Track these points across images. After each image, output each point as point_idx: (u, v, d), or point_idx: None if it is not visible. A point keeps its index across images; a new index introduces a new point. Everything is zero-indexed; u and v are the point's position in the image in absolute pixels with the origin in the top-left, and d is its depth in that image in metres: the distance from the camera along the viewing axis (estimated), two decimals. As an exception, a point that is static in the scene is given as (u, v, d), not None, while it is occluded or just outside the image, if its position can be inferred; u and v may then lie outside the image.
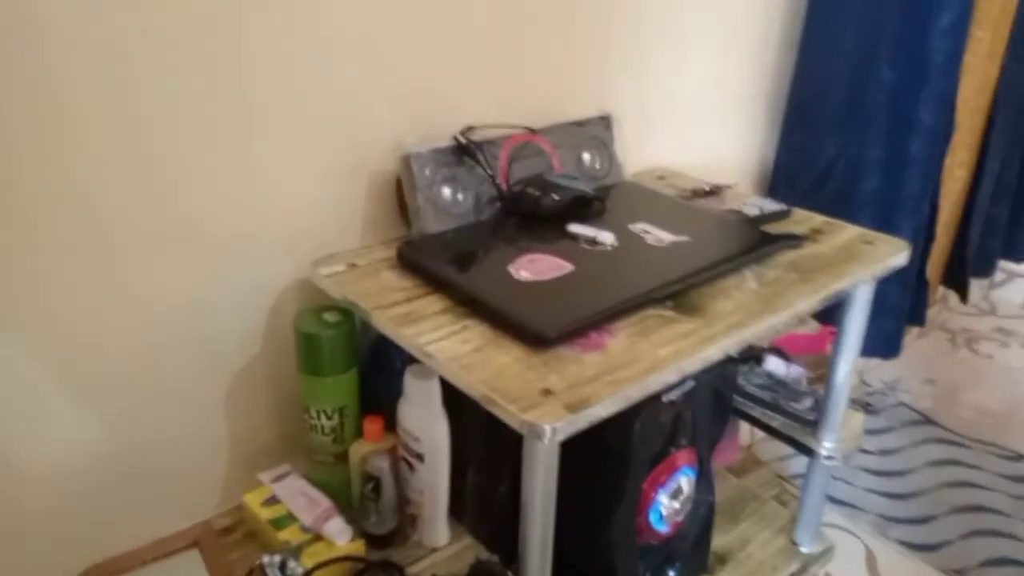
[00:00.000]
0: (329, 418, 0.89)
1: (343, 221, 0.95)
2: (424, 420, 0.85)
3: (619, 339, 0.77)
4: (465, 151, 0.96)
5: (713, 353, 0.76)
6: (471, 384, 0.70)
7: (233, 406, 0.94)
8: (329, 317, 0.88)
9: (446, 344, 0.75)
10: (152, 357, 0.86)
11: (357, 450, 0.90)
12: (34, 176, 0.74)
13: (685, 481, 0.95)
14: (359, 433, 0.91)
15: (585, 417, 0.66)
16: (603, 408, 0.67)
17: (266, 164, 0.87)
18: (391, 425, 0.90)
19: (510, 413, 0.66)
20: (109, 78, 0.75)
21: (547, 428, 0.64)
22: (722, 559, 1.08)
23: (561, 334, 0.74)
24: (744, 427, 1.65)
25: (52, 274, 0.77)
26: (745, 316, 0.81)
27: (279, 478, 0.94)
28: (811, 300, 0.86)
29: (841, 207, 1.41)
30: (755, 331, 0.80)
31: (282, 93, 0.86)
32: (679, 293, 0.84)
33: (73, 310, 0.80)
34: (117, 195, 0.79)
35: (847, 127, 1.42)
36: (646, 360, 0.73)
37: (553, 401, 0.67)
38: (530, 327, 0.74)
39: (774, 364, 1.24)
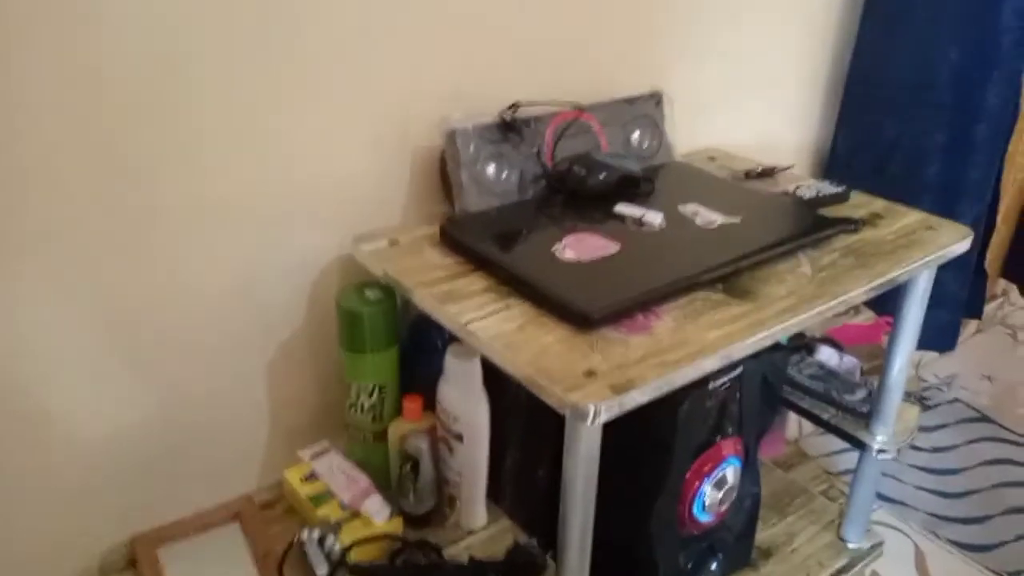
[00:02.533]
0: (369, 396, 0.89)
1: (386, 197, 0.94)
2: (464, 401, 0.83)
3: (666, 322, 0.74)
4: (510, 128, 0.94)
5: (764, 338, 0.73)
6: (514, 363, 0.68)
7: (276, 380, 0.94)
8: (370, 294, 0.87)
9: (488, 323, 0.74)
10: (200, 328, 0.86)
11: (396, 429, 0.89)
12: (90, 152, 0.74)
13: (731, 471, 0.92)
14: (398, 412, 0.90)
15: (630, 399, 0.64)
16: (648, 391, 0.65)
17: (312, 137, 0.86)
18: (431, 404, 0.89)
19: (553, 394, 0.64)
20: (158, 49, 0.74)
21: (591, 409, 0.62)
22: (766, 553, 1.05)
23: (606, 314, 0.72)
24: (792, 421, 1.61)
25: (107, 246, 0.78)
26: (798, 301, 0.78)
27: (318, 455, 0.94)
28: (867, 287, 0.82)
29: (900, 192, 1.35)
30: (808, 317, 0.77)
31: (330, 65, 0.85)
32: (729, 276, 0.81)
33: (127, 283, 0.80)
34: (168, 169, 0.79)
35: (909, 109, 1.37)
36: (694, 344, 0.71)
37: (597, 382, 0.65)
38: (574, 307, 0.72)
39: (826, 354, 1.20)
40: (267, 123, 0.83)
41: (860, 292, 0.81)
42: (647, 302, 0.75)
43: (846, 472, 1.56)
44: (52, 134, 0.72)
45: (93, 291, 0.79)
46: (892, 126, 1.38)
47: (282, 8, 0.80)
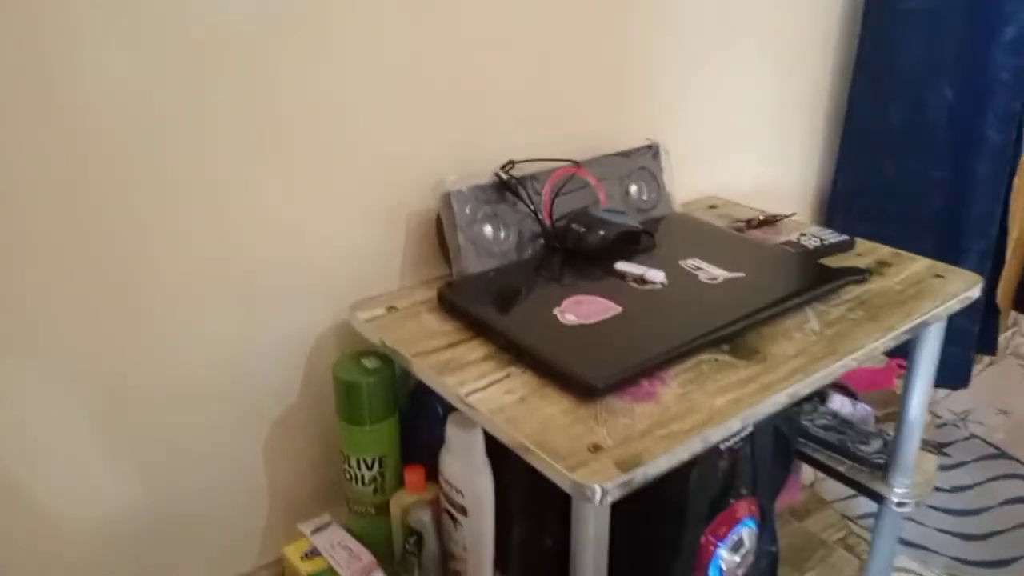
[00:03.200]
0: (369, 468, 0.86)
1: (382, 262, 0.93)
2: (467, 472, 0.81)
3: (672, 387, 0.72)
4: (507, 187, 0.93)
5: (774, 402, 0.71)
6: (515, 439, 0.66)
7: (272, 455, 0.91)
8: (368, 363, 0.85)
9: (489, 394, 0.71)
10: (188, 408, 0.84)
11: (398, 501, 0.86)
12: (66, 227, 0.72)
13: (746, 533, 0.89)
14: (400, 483, 0.87)
15: (638, 476, 0.61)
16: (657, 465, 0.63)
17: (302, 205, 0.85)
18: (434, 473, 0.86)
19: (557, 472, 0.62)
20: (140, 116, 0.73)
21: (597, 489, 0.59)
22: (787, 614, 1.01)
23: (610, 384, 0.70)
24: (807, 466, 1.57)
25: (84, 326, 0.76)
26: (808, 360, 0.76)
27: (319, 529, 0.90)
28: (879, 342, 0.80)
29: (904, 230, 1.34)
30: (819, 377, 0.74)
31: (319, 133, 0.84)
32: (735, 335, 0.79)
33: (107, 363, 0.78)
34: (150, 243, 0.77)
35: (907, 148, 1.36)
36: (702, 411, 0.68)
37: (603, 458, 0.62)
38: (577, 377, 0.70)
39: (839, 402, 1.17)
40: (256, 193, 0.82)
41: (871, 348, 0.79)
42: (652, 367, 0.73)
43: (865, 516, 1.52)
44: (30, 211, 0.70)
45: (73, 374, 0.76)
46: (891, 165, 1.37)
47: (277, 76, 0.79)
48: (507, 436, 0.67)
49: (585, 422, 0.67)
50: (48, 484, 0.78)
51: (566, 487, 0.61)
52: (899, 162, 1.37)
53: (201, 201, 0.79)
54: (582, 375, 0.70)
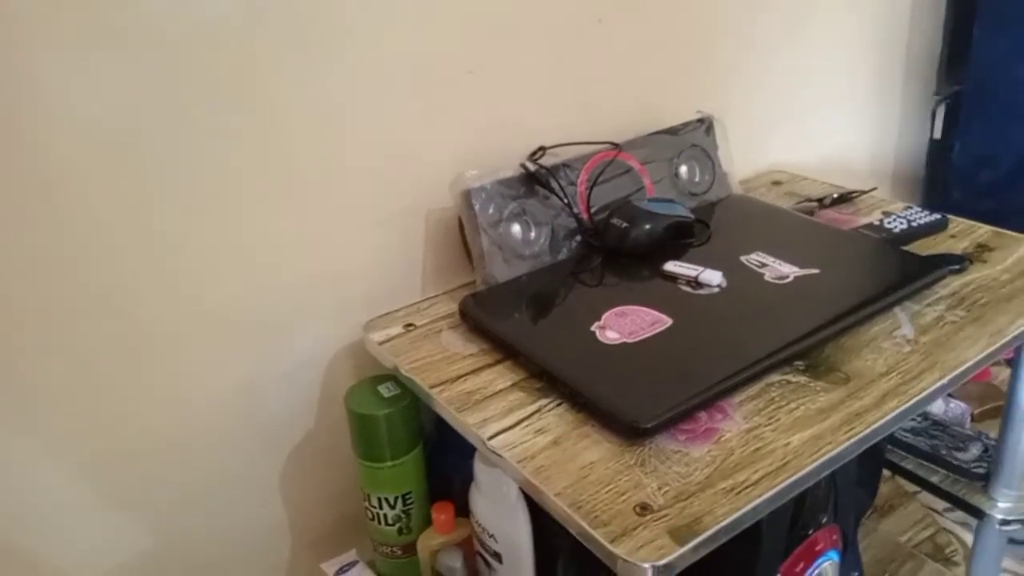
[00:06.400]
0: (392, 506, 0.77)
1: (400, 272, 0.82)
2: (499, 515, 0.70)
3: (736, 421, 0.60)
4: (535, 179, 0.81)
5: (864, 438, 0.58)
6: (548, 496, 0.55)
7: (290, 489, 0.83)
8: (385, 390, 0.75)
9: (517, 435, 0.61)
10: (198, 450, 0.76)
11: (426, 542, 0.77)
12: (67, 267, 0.64)
13: (829, 567, 0.77)
14: (428, 520, 0.78)
15: (697, 548, 0.50)
16: (720, 531, 0.51)
17: (308, 218, 0.75)
18: (466, 508, 0.76)
19: (599, 545, 0.51)
20: (127, 136, 0.64)
21: (647, 569, 0.48)
22: (876, 648, 0.89)
23: (659, 423, 0.58)
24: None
25: (85, 376, 0.68)
26: (901, 380, 0.63)
27: (344, 569, 0.82)
28: (986, 351, 0.66)
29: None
30: (918, 399, 0.61)
31: (322, 134, 0.73)
32: (811, 350, 0.66)
33: (110, 413, 0.70)
34: (144, 284, 0.68)
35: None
36: (774, 454, 0.56)
37: (653, 524, 0.51)
38: (620, 414, 0.59)
39: (928, 402, 1.03)
40: (256, 215, 0.72)
41: (978, 359, 0.65)
42: (710, 397, 0.61)
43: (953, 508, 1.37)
44: (28, 252, 0.62)
45: (70, 430, 0.69)
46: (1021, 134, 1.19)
47: (265, 89, 0.69)
48: (538, 492, 0.56)
49: (631, 472, 0.56)
50: (50, 537, 0.71)
51: (610, 564, 0.50)
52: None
53: (198, 229, 0.69)
54: (625, 412, 0.59)
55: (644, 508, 0.52)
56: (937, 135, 1.29)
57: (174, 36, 0.63)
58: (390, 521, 0.78)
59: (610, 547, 0.50)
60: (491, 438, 0.61)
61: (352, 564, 0.83)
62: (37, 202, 0.62)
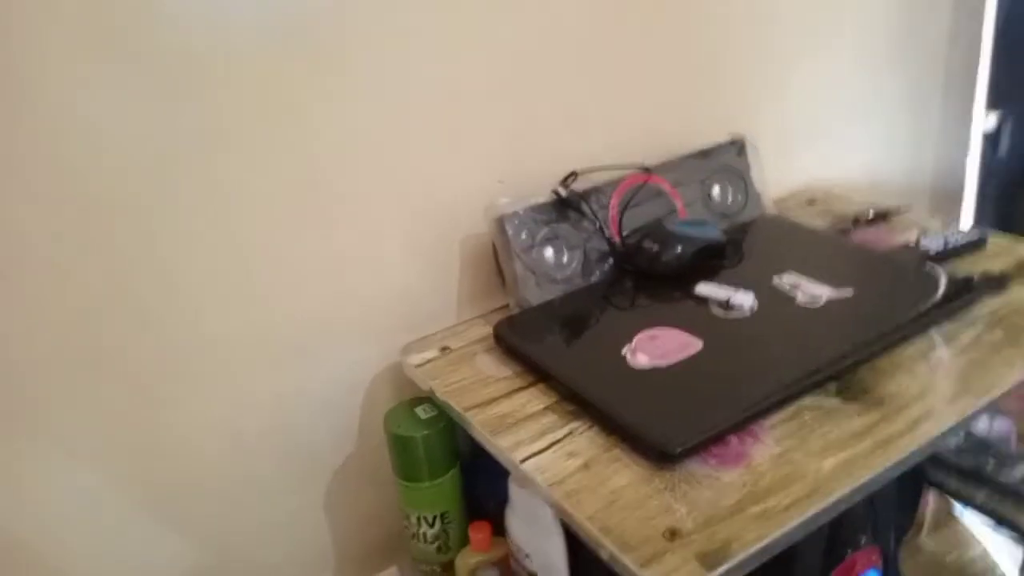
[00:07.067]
0: (431, 525, 0.78)
1: (436, 296, 0.84)
2: (534, 535, 0.71)
3: (767, 445, 0.60)
4: (567, 203, 0.83)
5: (898, 464, 0.58)
6: (577, 519, 0.56)
7: (332, 508, 0.85)
8: (423, 412, 0.77)
9: (548, 459, 0.62)
10: (241, 473, 0.78)
11: (464, 561, 0.78)
12: (92, 293, 0.67)
13: (867, 590, 0.76)
14: (466, 539, 0.79)
15: (726, 574, 0.51)
16: (749, 560, 0.52)
17: (342, 246, 0.77)
18: (501, 528, 0.78)
19: (627, 568, 0.52)
20: (154, 167, 0.67)
21: (675, 593, 0.49)
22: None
23: (689, 447, 0.59)
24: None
25: (131, 401, 0.71)
26: (937, 403, 0.62)
27: (385, 587, 0.84)
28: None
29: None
30: (954, 423, 0.61)
31: (355, 165, 0.75)
32: (844, 372, 0.66)
33: (159, 438, 0.73)
34: (182, 310, 0.71)
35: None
36: (806, 478, 0.57)
37: (682, 548, 0.52)
38: (650, 439, 0.60)
39: (972, 420, 1.01)
40: (296, 240, 0.74)
41: (1016, 380, 0.65)
42: (741, 422, 0.62)
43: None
44: (55, 275, 0.65)
45: (122, 451, 0.72)
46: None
47: (296, 122, 0.71)
48: (568, 516, 0.57)
49: (660, 496, 0.57)
50: (86, 565, 0.74)
51: (638, 588, 0.51)
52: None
53: (232, 258, 0.72)
54: (655, 437, 0.60)
55: (673, 533, 0.53)
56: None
57: (202, 55, 0.65)
58: (429, 539, 0.79)
59: (639, 572, 0.51)
60: (523, 461, 0.62)
61: (393, 581, 0.85)
62: (71, 210, 0.64)
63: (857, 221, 0.92)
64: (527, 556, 0.73)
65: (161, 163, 0.66)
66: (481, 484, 0.81)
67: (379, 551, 0.90)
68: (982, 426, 1.02)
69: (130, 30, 0.62)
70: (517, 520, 0.73)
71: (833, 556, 0.76)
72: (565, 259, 0.82)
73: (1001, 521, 0.92)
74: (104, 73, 0.62)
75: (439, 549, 0.80)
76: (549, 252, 0.82)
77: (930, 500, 1.04)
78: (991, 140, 1.25)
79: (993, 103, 1.24)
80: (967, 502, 0.94)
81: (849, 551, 0.76)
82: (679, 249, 0.81)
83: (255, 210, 0.72)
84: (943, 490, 0.97)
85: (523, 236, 0.80)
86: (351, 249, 0.78)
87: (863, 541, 0.77)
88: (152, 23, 0.62)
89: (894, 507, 0.83)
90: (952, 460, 0.97)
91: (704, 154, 0.91)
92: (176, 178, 0.67)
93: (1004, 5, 1.15)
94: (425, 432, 0.75)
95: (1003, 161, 1.23)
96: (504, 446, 0.64)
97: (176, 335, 0.71)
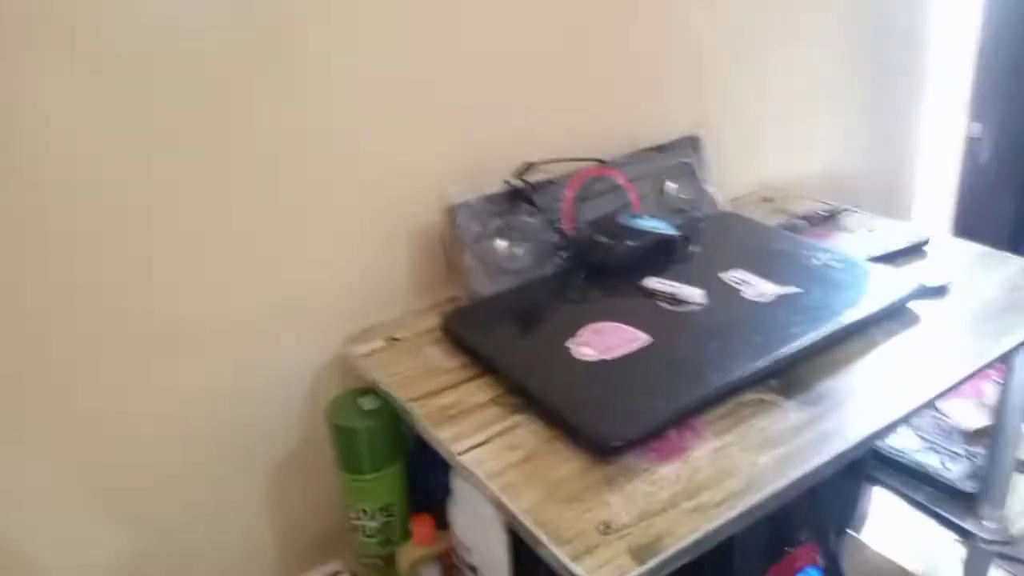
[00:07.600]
0: (373, 518, 0.78)
1: (385, 286, 0.83)
2: (476, 528, 0.71)
3: (706, 439, 0.60)
4: (521, 195, 0.82)
5: (833, 460, 0.58)
6: (513, 511, 0.56)
7: (275, 499, 0.84)
8: (367, 403, 0.76)
9: (489, 451, 0.62)
10: (184, 463, 0.77)
11: (406, 555, 0.77)
12: (44, 279, 0.66)
13: (808, 586, 0.77)
14: (409, 533, 0.78)
15: (657, 568, 0.50)
16: (681, 551, 0.52)
17: (290, 233, 0.76)
18: (445, 521, 0.77)
19: (559, 561, 0.51)
20: (107, 157, 0.65)
21: (604, 587, 0.49)
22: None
23: (628, 440, 0.59)
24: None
25: (69, 383, 0.70)
26: (874, 400, 0.63)
27: (328, 579, 0.83)
28: (963, 371, 0.66)
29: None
30: (889, 420, 0.61)
31: (305, 149, 0.74)
32: (786, 368, 0.67)
33: (102, 427, 0.72)
34: (125, 298, 0.70)
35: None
36: (741, 473, 0.57)
37: (614, 543, 0.52)
38: (589, 432, 0.59)
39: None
40: (238, 229, 0.73)
41: (955, 379, 0.66)
42: (681, 416, 0.62)
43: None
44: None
45: (57, 433, 0.70)
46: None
47: (244, 105, 0.70)
48: (503, 510, 0.57)
49: (597, 490, 0.56)
50: (34, 547, 0.72)
51: (569, 581, 0.51)
52: None
53: (178, 247, 0.71)
54: (594, 430, 0.59)
55: (607, 527, 0.53)
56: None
57: (160, 56, 0.65)
58: (371, 533, 0.78)
59: (571, 565, 0.50)
60: (462, 453, 0.62)
61: (336, 574, 0.83)
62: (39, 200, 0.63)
63: (810, 220, 0.93)
64: (468, 549, 0.73)
65: (110, 151, 0.65)
66: (426, 477, 0.81)
67: (323, 543, 0.89)
68: (928, 426, 1.04)
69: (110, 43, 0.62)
70: (460, 514, 0.72)
71: (773, 552, 0.77)
72: (517, 251, 0.82)
73: (941, 520, 0.93)
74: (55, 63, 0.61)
75: (382, 543, 0.79)
76: (501, 244, 0.81)
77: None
78: (973, 145, 1.26)
79: (975, 114, 1.24)
80: (910, 500, 0.96)
81: (789, 549, 0.77)
82: (631, 243, 0.81)
83: (203, 202, 0.71)
84: (886, 487, 0.99)
85: (475, 226, 0.79)
86: (298, 237, 0.77)
87: (804, 538, 0.78)
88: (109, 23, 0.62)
89: (836, 505, 0.84)
90: (894, 458, 0.98)
91: (660, 149, 0.91)
92: (124, 166, 0.66)
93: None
94: (368, 424, 0.74)
95: (982, 168, 1.24)
96: (444, 438, 0.63)
97: (122, 323, 0.70)
